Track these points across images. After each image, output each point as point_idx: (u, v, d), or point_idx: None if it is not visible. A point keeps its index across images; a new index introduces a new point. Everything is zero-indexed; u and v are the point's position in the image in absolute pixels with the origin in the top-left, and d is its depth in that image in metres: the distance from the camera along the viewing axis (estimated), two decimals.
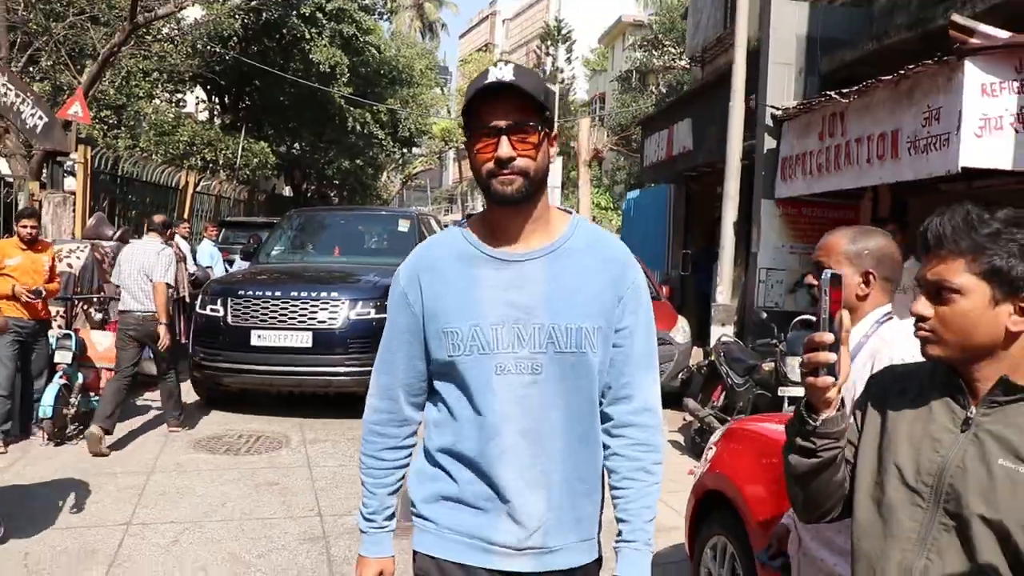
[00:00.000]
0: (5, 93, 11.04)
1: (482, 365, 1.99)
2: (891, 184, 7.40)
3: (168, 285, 7.55)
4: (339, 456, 7.05)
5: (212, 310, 8.65)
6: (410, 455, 2.18)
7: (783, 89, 9.01)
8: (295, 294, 8.42)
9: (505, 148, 1.90)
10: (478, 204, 66.65)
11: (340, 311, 8.28)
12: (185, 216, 14.91)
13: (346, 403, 8.02)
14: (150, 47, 19.23)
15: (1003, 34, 5.74)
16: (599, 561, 2.13)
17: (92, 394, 7.81)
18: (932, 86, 6.20)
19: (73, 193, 12.02)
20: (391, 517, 2.18)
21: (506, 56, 72.19)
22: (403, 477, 2.20)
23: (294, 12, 21.05)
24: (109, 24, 17.97)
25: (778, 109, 8.81)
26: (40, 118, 11.41)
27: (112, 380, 7.39)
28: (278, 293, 8.47)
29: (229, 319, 8.46)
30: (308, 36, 21.23)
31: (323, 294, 8.39)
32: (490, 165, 1.93)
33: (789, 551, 2.85)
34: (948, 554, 1.62)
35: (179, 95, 23.20)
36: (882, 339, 2.41)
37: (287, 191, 32.05)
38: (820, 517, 1.90)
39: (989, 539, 1.57)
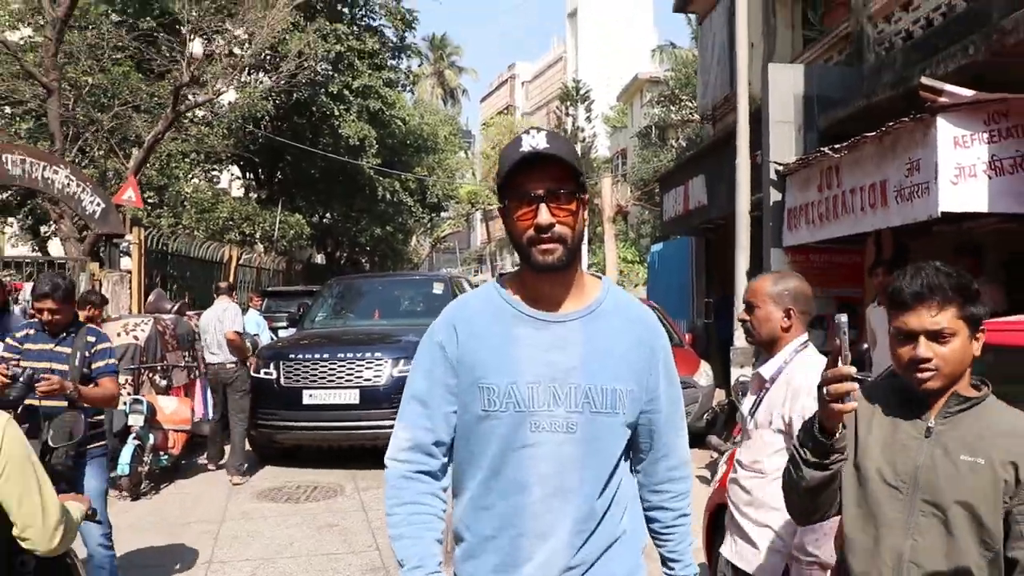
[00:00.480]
0: (68, 184, 11.95)
1: (517, 422, 2.02)
2: (892, 228, 8.03)
3: (237, 332, 8.85)
4: None
5: (266, 373, 9.38)
6: (445, 508, 2.18)
7: (784, 145, 9.69)
8: (341, 355, 9.13)
9: (544, 215, 1.95)
10: (507, 264, 67.52)
11: (384, 369, 8.98)
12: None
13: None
14: (188, 130, 20.35)
15: (967, 92, 6.41)
16: None
17: (162, 453, 8.52)
18: (911, 140, 6.88)
19: (129, 272, 12.90)
20: (439, 566, 2.11)
21: (527, 117, 73.52)
22: (441, 529, 2.17)
23: (323, 91, 22.13)
24: (151, 112, 19.07)
25: (780, 165, 9.50)
26: (98, 204, 12.30)
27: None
28: (326, 355, 9.19)
29: (282, 381, 9.19)
30: (337, 113, 22.33)
31: (367, 354, 9.10)
32: (531, 232, 1.97)
33: None
34: (929, 534, 2.08)
35: (215, 173, 24.32)
36: (800, 364, 3.04)
37: (319, 259, 33.07)
38: (816, 520, 2.36)
39: (962, 517, 2.05)
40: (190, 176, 22.35)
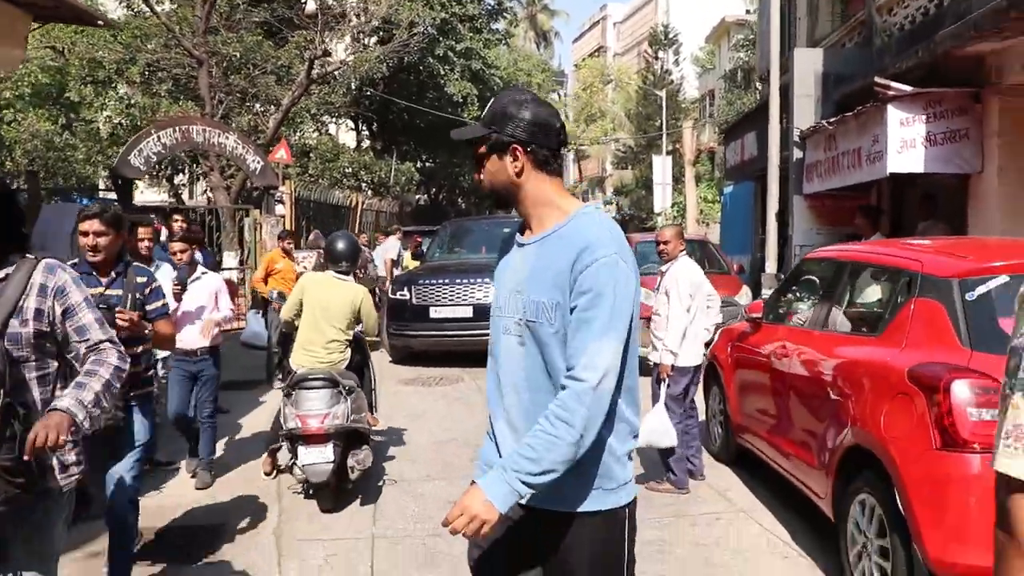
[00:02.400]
0: (235, 147, 15.06)
1: (496, 323, 2.53)
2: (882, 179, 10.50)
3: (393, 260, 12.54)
4: None
5: (400, 295, 12.36)
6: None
7: (806, 113, 12.14)
8: (458, 280, 12.05)
9: (478, 173, 2.53)
10: (599, 202, 69.56)
11: (491, 290, 11.87)
12: (358, 229, 18.90)
13: None
14: (312, 90, 23.39)
15: (908, 88, 8.87)
16: (587, 516, 2.38)
17: None
18: (873, 121, 9.36)
19: (283, 216, 16.04)
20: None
21: (618, 58, 74.57)
22: None
23: (430, 54, 24.97)
24: (277, 74, 22.12)
25: (799, 129, 12.00)
26: (258, 162, 15.39)
27: None
28: (446, 280, 12.12)
29: (413, 300, 12.15)
30: (442, 72, 25.19)
31: (477, 279, 11.98)
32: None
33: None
34: None
35: (333, 126, 27.49)
36: (681, 266, 5.89)
37: (421, 199, 36.18)
38: None
39: None
40: (314, 130, 25.51)
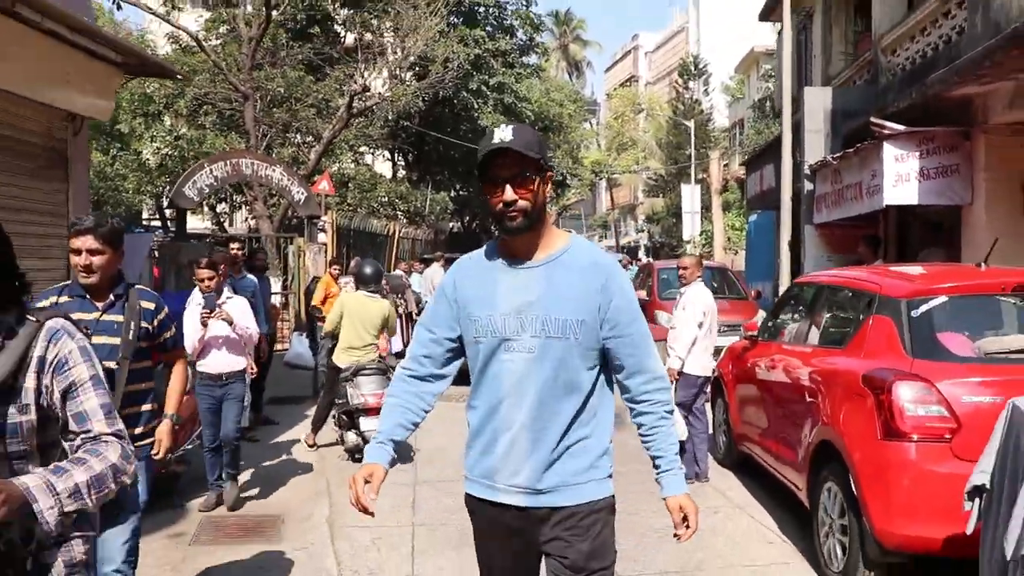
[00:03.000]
0: (281, 178, 16.05)
1: (495, 344, 2.64)
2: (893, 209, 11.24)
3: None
4: None
5: None
6: (425, 404, 2.85)
7: (816, 148, 12.91)
8: None
9: (508, 194, 2.55)
10: (631, 230, 70.29)
11: None
12: (395, 256, 19.87)
13: None
14: (350, 123, 24.47)
15: (901, 127, 9.64)
16: (595, 505, 2.69)
17: None
18: (871, 157, 10.12)
19: (325, 244, 17.01)
20: (391, 440, 2.77)
21: (650, 87, 75.51)
22: (411, 421, 2.83)
23: (464, 88, 26.01)
24: (317, 107, 23.22)
25: (809, 164, 12.77)
26: (302, 193, 16.36)
27: None
28: None
29: None
30: (476, 106, 26.21)
31: None
32: (500, 207, 2.58)
33: None
34: None
35: (369, 157, 28.57)
36: (696, 290, 6.65)
37: (455, 227, 37.21)
38: None
39: None
40: (352, 160, 26.60)
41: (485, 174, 2.61)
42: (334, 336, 8.51)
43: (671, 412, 2.77)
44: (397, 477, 7.72)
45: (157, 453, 4.14)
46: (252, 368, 7.22)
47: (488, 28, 27.86)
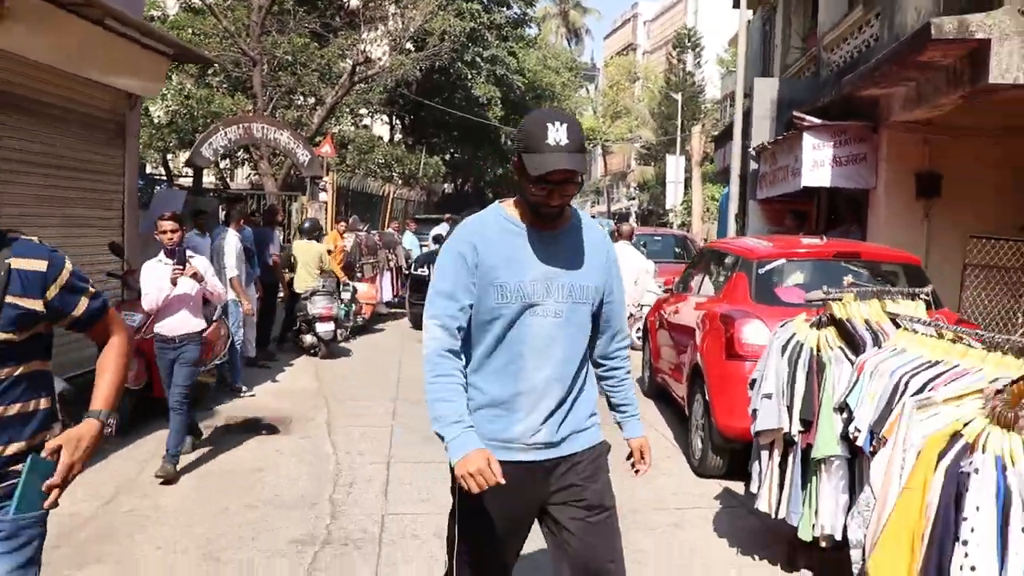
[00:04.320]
0: (288, 141, 17.72)
1: (521, 309, 2.78)
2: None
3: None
4: None
5: (421, 272, 15.00)
6: (464, 379, 2.83)
7: (763, 132, 14.64)
8: None
9: (556, 199, 2.72)
10: (623, 196, 71.76)
11: None
12: (389, 215, 21.62)
13: None
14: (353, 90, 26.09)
15: (817, 120, 11.38)
16: (602, 446, 2.99)
17: (359, 316, 14.17)
18: (794, 144, 11.87)
19: (325, 202, 18.74)
20: (469, 419, 2.74)
21: (647, 56, 76.61)
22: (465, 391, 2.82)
23: (459, 59, 27.63)
24: (320, 72, 24.76)
25: (754, 146, 14.52)
26: (306, 155, 18.02)
27: None
28: None
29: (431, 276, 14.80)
30: (470, 76, 27.86)
31: None
32: (543, 200, 2.72)
33: None
34: None
35: (368, 120, 30.23)
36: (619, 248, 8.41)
37: (447, 189, 38.93)
38: None
39: None
40: (351, 123, 28.26)
41: (538, 175, 2.66)
42: (292, 269, 12.00)
43: (631, 370, 3.21)
44: (383, 393, 9.59)
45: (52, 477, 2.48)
46: (249, 308, 9.34)
47: (484, 1, 29.43)
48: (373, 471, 6.76)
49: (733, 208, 15.23)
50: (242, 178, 33.38)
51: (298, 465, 6.92)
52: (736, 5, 21.68)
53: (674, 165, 38.29)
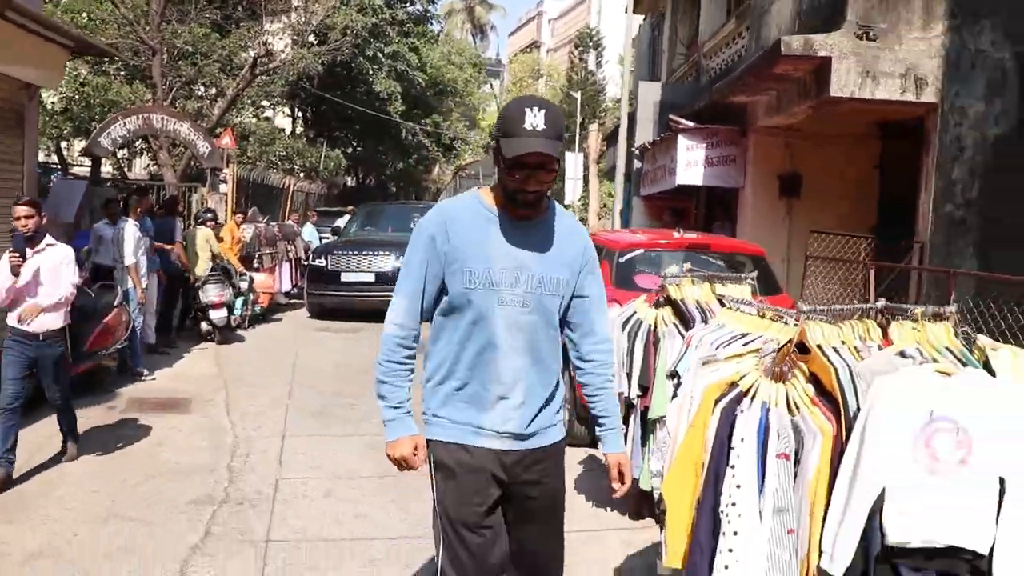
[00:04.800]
0: (188, 133, 17.92)
1: (488, 297, 2.78)
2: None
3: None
4: None
5: (318, 262, 15.45)
6: (414, 365, 2.95)
7: (647, 133, 15.54)
8: (366, 252, 15.18)
9: (533, 184, 2.71)
10: None
11: (389, 261, 15.00)
12: (289, 207, 21.96)
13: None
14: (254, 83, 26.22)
15: (691, 124, 12.28)
16: (565, 439, 3.06)
17: (256, 305, 14.56)
18: (671, 145, 12.77)
19: (226, 194, 18.98)
20: (409, 405, 2.91)
21: (551, 54, 77.73)
22: (412, 378, 2.94)
23: (361, 54, 28.04)
24: (221, 63, 24.84)
25: (637, 146, 15.41)
26: (206, 147, 18.21)
27: None
28: (355, 252, 15.24)
29: (329, 267, 15.24)
30: (371, 71, 28.28)
31: (380, 252, 15.13)
32: (519, 187, 2.72)
33: None
34: None
35: (270, 112, 30.38)
36: None
37: (349, 181, 39.23)
38: None
39: None
40: (252, 115, 28.36)
41: (512, 158, 2.69)
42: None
43: (614, 376, 3.12)
44: (280, 378, 10.09)
45: None
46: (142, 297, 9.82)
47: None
48: (268, 444, 7.31)
49: (619, 204, 16.08)
50: (140, 168, 33.13)
51: (197, 440, 7.41)
52: (635, 9, 22.81)
53: (573, 162, 39.09)
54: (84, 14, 23.80)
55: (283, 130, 30.45)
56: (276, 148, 26.67)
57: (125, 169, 29.79)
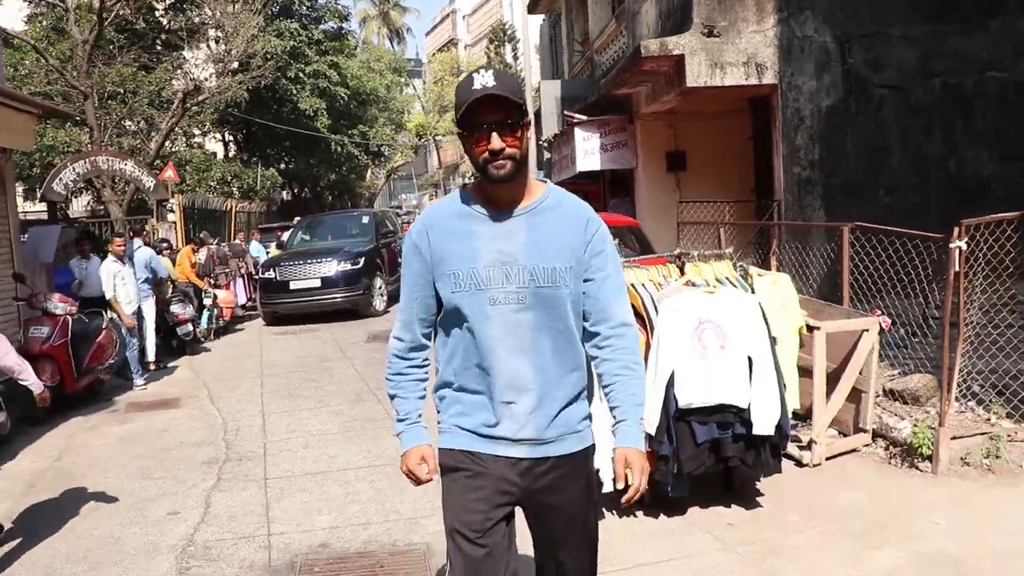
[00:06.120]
0: (133, 170, 19.30)
1: (478, 298, 2.60)
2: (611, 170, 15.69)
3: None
4: (340, 335, 15.35)
5: (268, 274, 16.96)
6: (427, 372, 2.83)
7: (552, 126, 17.31)
8: (310, 260, 16.71)
9: (496, 142, 2.50)
10: (457, 188, 73.81)
11: (333, 266, 16.53)
12: (234, 228, 23.42)
13: (338, 315, 16.30)
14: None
15: (583, 117, 14.06)
16: (590, 448, 2.78)
17: (220, 319, 16.05)
18: (570, 137, 14.54)
19: (174, 223, 20.40)
20: (420, 416, 2.80)
21: (469, 50, 79.01)
22: (424, 388, 2.81)
23: (283, 77, 29.49)
24: (150, 98, 26.07)
25: (545, 138, 17.18)
26: (151, 182, 19.61)
27: None
28: (301, 261, 16.76)
29: (278, 277, 16.74)
30: (294, 91, 29.74)
31: (324, 259, 16.65)
32: (485, 155, 2.52)
33: None
34: None
35: (201, 139, 31.69)
36: None
37: (286, 195, 40.57)
38: None
39: None
40: (186, 144, 29.67)
41: (467, 120, 2.56)
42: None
43: (638, 364, 2.77)
44: (251, 374, 11.68)
45: None
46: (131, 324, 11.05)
47: (302, 20, 31.41)
48: (252, 420, 8.95)
49: None
50: (81, 207, 34.13)
51: (193, 424, 9.02)
52: (532, 10, 24.56)
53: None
54: (9, 67, 24.77)
55: (215, 154, 31.74)
56: (213, 173, 27.98)
57: (65, 209, 30.85)
